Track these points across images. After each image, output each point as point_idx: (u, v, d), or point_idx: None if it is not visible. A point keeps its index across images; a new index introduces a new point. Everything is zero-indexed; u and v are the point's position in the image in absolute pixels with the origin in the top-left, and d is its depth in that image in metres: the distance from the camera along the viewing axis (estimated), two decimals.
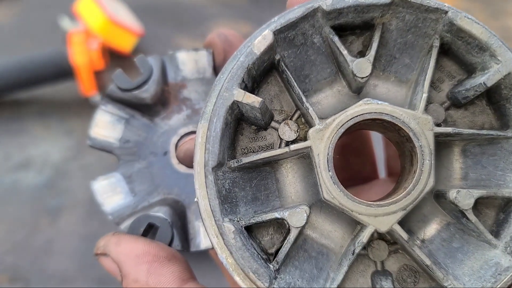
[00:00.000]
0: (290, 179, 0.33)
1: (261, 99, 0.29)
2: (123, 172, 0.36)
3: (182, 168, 0.37)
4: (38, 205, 0.87)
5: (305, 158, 0.32)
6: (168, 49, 1.45)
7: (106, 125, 0.35)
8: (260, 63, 0.31)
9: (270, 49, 0.30)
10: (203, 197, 0.30)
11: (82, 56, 0.99)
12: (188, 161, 0.35)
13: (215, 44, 0.37)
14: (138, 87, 0.33)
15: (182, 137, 0.36)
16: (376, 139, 0.45)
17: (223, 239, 0.29)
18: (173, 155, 0.36)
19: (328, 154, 0.30)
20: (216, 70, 0.37)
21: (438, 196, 0.33)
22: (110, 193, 0.36)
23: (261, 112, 0.30)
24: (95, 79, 1.03)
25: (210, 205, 0.29)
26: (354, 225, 0.32)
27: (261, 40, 0.29)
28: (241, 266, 0.28)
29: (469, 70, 0.33)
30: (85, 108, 1.09)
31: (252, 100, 0.29)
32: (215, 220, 0.29)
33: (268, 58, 0.31)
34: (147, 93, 0.33)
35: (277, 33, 0.30)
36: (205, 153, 0.29)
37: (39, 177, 0.93)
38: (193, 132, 0.36)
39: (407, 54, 0.33)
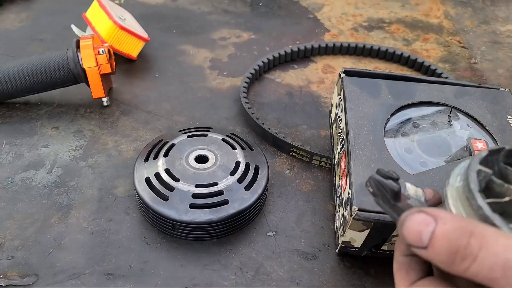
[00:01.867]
0: None
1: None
2: None
3: None
4: (48, 202, 0.89)
5: None
6: (173, 54, 1.46)
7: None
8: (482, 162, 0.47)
9: (487, 158, 0.47)
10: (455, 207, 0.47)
11: (90, 61, 1.02)
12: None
13: (428, 191, 0.59)
14: (393, 179, 0.56)
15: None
16: None
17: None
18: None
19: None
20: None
21: None
22: None
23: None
24: (103, 82, 1.05)
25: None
26: None
27: (483, 149, 0.51)
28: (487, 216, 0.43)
29: None
30: (94, 109, 1.12)
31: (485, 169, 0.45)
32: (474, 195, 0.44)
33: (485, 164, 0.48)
34: (393, 186, 0.56)
35: (488, 152, 0.47)
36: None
37: (49, 176, 0.95)
38: None
39: None
